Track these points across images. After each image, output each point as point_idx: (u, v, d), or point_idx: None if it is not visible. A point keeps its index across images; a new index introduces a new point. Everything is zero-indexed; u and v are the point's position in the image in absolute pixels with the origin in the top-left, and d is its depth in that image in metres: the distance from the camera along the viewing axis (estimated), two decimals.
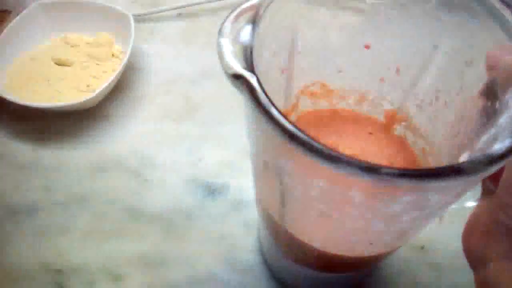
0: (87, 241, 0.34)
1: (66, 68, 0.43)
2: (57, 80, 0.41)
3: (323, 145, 0.14)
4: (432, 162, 0.24)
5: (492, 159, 0.14)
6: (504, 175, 0.15)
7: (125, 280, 0.32)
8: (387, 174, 0.14)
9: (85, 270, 0.33)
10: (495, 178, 0.17)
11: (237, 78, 0.16)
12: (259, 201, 0.25)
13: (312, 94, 0.26)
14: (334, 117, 0.28)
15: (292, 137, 0.14)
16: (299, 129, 0.14)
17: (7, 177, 0.37)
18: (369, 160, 0.29)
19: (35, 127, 0.40)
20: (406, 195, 0.15)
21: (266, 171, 0.19)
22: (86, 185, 0.37)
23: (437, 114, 0.23)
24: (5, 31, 0.41)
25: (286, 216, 0.21)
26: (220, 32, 0.17)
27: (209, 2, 0.50)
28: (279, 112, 0.15)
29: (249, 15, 0.17)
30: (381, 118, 0.27)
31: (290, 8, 0.19)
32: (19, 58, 0.42)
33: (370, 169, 0.14)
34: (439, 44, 0.21)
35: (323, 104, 0.27)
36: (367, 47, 0.23)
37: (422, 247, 0.34)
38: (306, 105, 0.27)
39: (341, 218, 0.18)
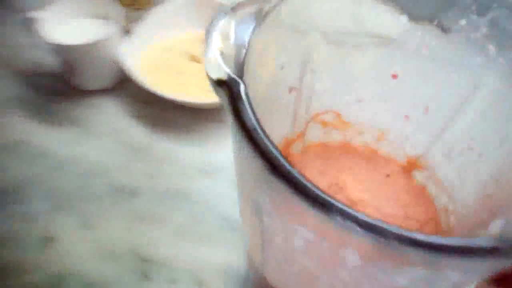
0: (179, 238, 0.32)
1: (197, 65, 0.42)
2: (186, 74, 0.41)
3: (312, 183, 0.10)
4: (454, 223, 0.20)
5: None
6: None
7: (207, 287, 0.30)
8: (395, 238, 0.10)
9: (170, 266, 0.31)
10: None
11: (219, 84, 0.12)
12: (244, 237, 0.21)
13: (324, 124, 0.23)
14: (347, 151, 0.24)
15: (272, 165, 0.11)
16: (283, 157, 0.11)
17: (117, 155, 0.37)
18: (382, 207, 0.24)
19: (156, 113, 0.40)
20: (415, 267, 0.11)
21: (246, 204, 0.15)
22: (188, 183, 0.35)
23: (468, 168, 0.19)
24: (149, 15, 0.42)
25: (266, 264, 0.17)
26: (212, 23, 0.13)
27: None
28: (263, 130, 0.11)
29: (252, 9, 0.14)
30: (402, 160, 0.23)
31: (306, 13, 0.16)
32: (154, 45, 0.42)
33: (372, 228, 0.10)
34: (481, 83, 0.17)
35: (336, 137, 0.24)
36: (394, 76, 0.20)
37: None
38: (316, 135, 0.23)
39: (329, 281, 0.14)
